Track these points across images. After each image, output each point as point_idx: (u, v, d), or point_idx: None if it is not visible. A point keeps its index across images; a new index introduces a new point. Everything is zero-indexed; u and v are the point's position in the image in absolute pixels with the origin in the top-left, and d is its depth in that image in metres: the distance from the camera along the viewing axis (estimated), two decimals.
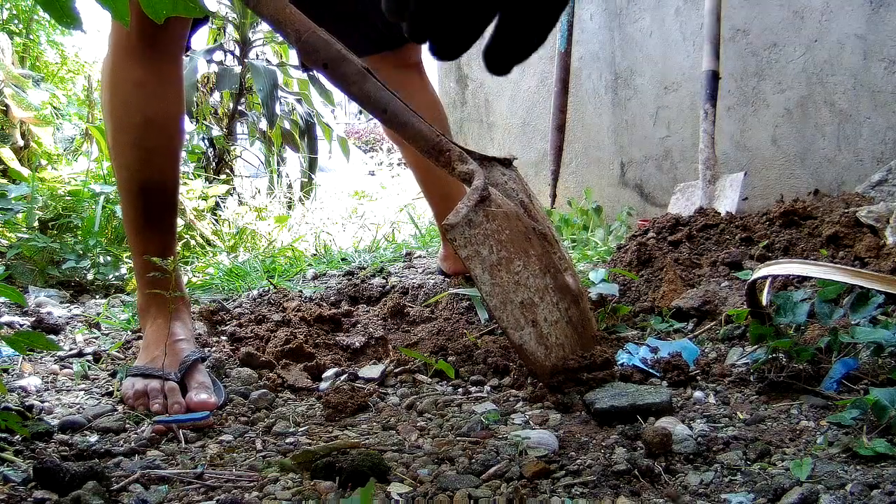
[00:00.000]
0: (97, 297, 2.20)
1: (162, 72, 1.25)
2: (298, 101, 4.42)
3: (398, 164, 7.84)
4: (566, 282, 1.21)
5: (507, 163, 1.32)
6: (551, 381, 1.11)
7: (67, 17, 0.72)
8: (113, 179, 2.74)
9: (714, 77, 2.17)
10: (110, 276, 2.30)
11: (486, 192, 1.12)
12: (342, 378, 1.26)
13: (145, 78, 1.23)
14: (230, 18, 4.16)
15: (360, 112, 10.54)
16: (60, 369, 1.34)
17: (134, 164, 1.24)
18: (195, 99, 3.84)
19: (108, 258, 2.33)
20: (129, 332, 1.62)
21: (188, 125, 3.83)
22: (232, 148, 4.11)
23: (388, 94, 1.11)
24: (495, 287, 1.09)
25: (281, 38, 3.83)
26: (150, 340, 1.24)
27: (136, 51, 1.22)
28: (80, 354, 1.44)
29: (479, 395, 1.17)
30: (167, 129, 1.26)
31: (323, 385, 1.24)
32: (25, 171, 2.60)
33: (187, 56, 4.00)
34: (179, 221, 2.87)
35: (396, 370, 1.28)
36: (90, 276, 2.28)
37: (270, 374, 1.26)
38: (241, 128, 4.39)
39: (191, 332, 1.29)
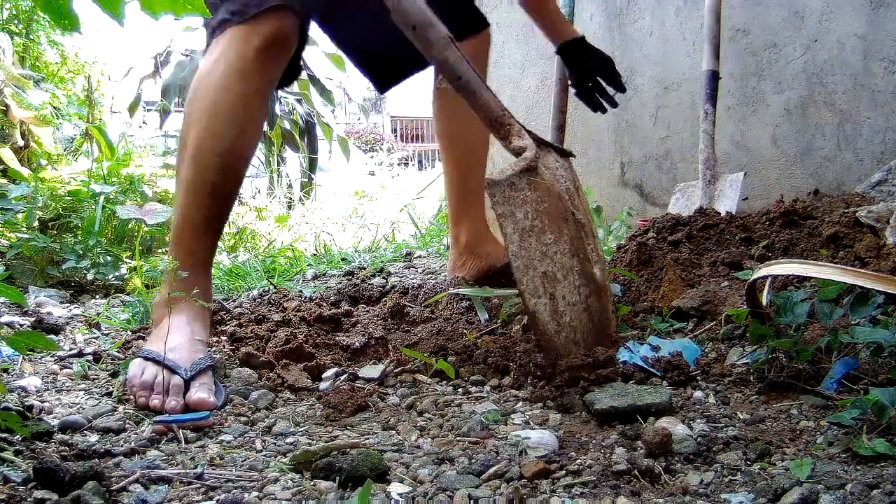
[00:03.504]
0: (97, 297, 2.20)
1: (263, 93, 1.34)
2: (298, 101, 4.42)
3: (398, 164, 7.84)
4: (593, 271, 1.21)
5: (564, 153, 1.37)
6: (556, 380, 1.11)
7: (66, 19, 0.73)
8: (114, 179, 2.74)
9: (714, 77, 2.17)
10: (110, 276, 2.30)
11: (534, 164, 1.18)
12: (342, 378, 1.26)
13: (251, 95, 1.31)
14: None
15: (362, 112, 10.53)
16: (60, 369, 1.34)
17: (215, 167, 1.30)
18: None
19: (108, 258, 2.33)
20: (129, 332, 1.61)
21: None
22: None
23: (465, 64, 1.21)
24: (522, 249, 1.13)
25: None
26: (171, 329, 1.20)
27: (251, 68, 1.30)
28: (80, 354, 1.43)
29: (479, 395, 1.17)
30: (253, 145, 1.38)
31: (323, 385, 1.24)
32: (25, 171, 2.60)
33: (187, 56, 3.98)
34: None
35: (396, 370, 1.28)
36: (90, 276, 2.28)
37: (270, 374, 1.26)
38: None
39: (208, 337, 1.29)
